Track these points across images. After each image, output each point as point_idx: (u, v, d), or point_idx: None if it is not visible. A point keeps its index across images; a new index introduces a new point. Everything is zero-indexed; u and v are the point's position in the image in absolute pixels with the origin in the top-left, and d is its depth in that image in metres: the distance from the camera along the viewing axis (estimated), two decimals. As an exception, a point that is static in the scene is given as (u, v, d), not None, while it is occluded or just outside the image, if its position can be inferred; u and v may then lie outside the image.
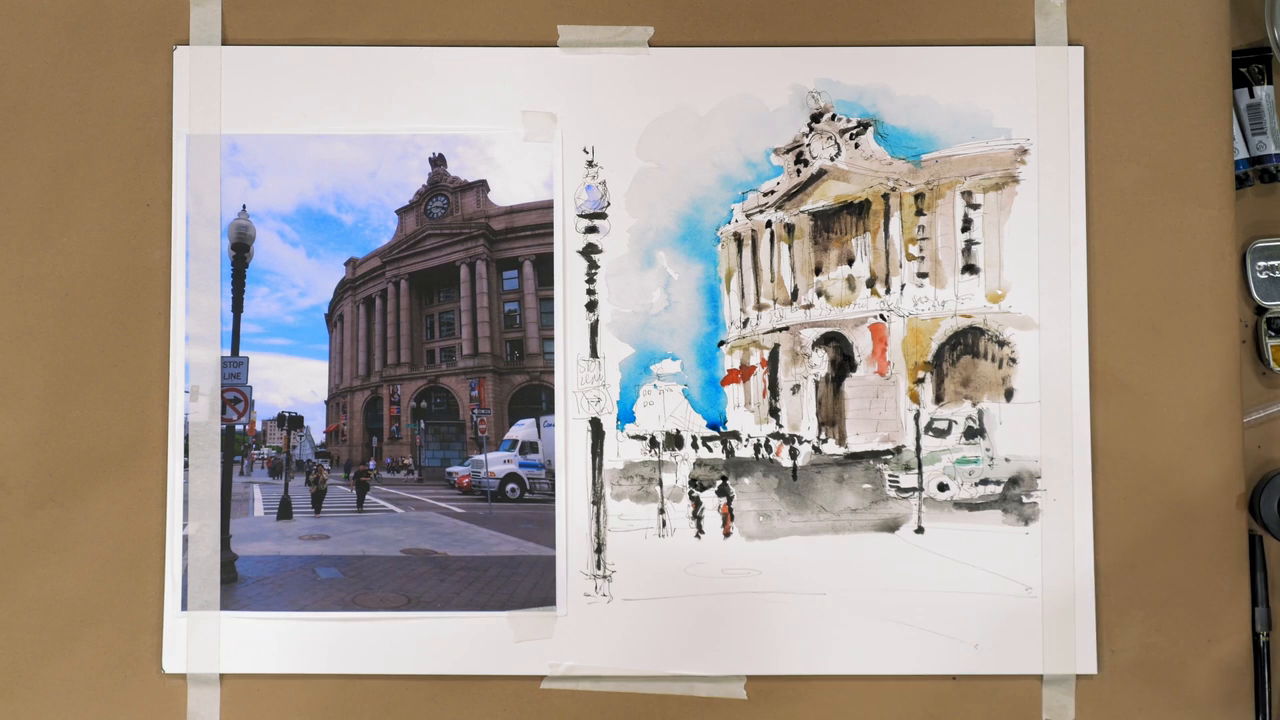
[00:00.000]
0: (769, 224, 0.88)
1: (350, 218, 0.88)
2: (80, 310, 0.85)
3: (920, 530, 0.85)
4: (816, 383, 0.88)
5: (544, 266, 0.88)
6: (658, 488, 0.86)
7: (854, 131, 0.87)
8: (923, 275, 0.87)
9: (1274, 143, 0.89)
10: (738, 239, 0.88)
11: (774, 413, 0.87)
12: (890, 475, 0.86)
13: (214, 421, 0.86)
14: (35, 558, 0.84)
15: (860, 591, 0.85)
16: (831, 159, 0.88)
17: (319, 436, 0.90)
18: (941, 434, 0.86)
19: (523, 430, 0.89)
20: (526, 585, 0.85)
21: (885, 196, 0.88)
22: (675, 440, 0.87)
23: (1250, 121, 0.90)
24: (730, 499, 0.86)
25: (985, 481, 0.86)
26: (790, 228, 0.88)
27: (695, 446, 0.87)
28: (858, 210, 0.88)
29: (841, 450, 0.86)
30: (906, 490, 0.86)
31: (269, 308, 0.87)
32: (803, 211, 0.88)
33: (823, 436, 0.87)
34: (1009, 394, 0.86)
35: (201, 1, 0.86)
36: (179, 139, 0.86)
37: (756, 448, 0.87)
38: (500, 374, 0.90)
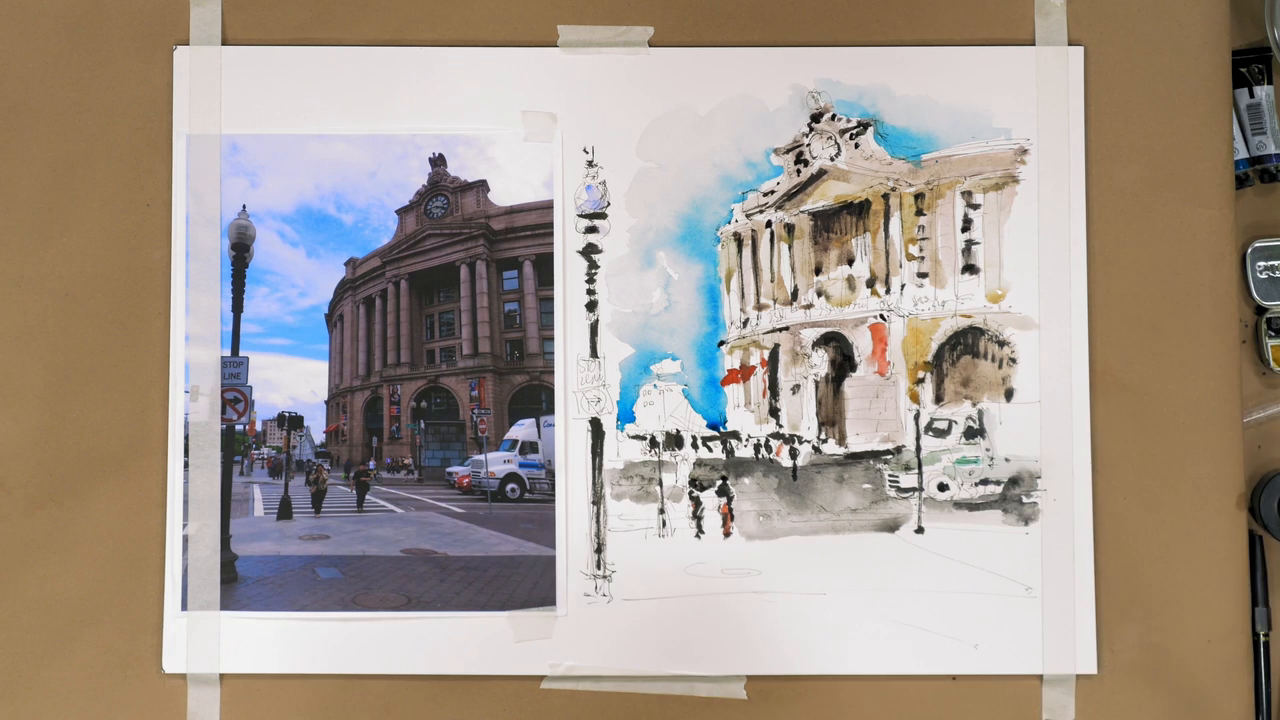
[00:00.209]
0: (769, 224, 0.88)
1: (350, 218, 0.88)
2: (80, 310, 0.85)
3: (920, 530, 0.85)
4: (816, 383, 0.88)
5: (544, 266, 0.88)
6: (658, 488, 0.86)
7: (854, 131, 0.87)
8: (923, 275, 0.87)
9: (1274, 143, 0.89)
10: (738, 239, 0.87)
11: (774, 413, 0.87)
12: (890, 475, 0.86)
13: (214, 421, 0.86)
14: (35, 558, 0.84)
15: (860, 591, 0.85)
16: (831, 159, 0.88)
17: (319, 436, 0.90)
18: (941, 434, 0.86)
19: (523, 430, 0.89)
20: (526, 585, 0.85)
21: (885, 196, 0.88)
22: (675, 440, 0.87)
23: (1250, 121, 0.90)
24: (730, 499, 0.86)
25: (985, 481, 0.86)
26: (790, 228, 0.88)
27: (695, 446, 0.87)
28: (858, 210, 0.88)
29: (841, 450, 0.86)
30: (906, 490, 0.86)
31: (269, 308, 0.87)
32: (803, 211, 0.88)
33: (823, 436, 0.87)
34: (1009, 394, 0.86)
35: (201, 1, 0.86)
36: (179, 139, 0.86)
37: (756, 448, 0.87)
38: (500, 374, 0.90)
